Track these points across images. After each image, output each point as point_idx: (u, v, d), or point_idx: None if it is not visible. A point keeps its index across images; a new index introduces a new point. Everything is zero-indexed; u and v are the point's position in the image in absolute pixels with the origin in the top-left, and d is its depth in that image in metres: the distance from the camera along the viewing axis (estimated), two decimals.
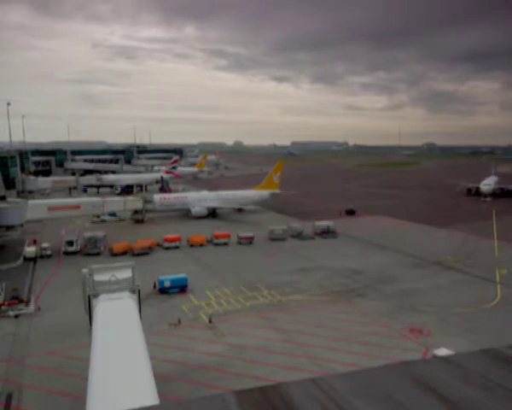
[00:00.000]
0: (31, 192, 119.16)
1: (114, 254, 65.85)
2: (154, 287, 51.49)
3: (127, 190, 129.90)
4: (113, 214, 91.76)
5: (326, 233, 79.44)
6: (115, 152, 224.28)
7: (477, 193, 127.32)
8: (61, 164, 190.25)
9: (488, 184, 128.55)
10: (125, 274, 26.11)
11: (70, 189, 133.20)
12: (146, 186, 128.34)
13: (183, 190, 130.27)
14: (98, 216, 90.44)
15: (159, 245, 71.02)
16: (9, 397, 30.47)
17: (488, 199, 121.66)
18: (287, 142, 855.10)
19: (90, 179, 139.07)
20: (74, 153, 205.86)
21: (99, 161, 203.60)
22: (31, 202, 76.69)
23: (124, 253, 66.55)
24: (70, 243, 68.47)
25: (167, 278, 51.67)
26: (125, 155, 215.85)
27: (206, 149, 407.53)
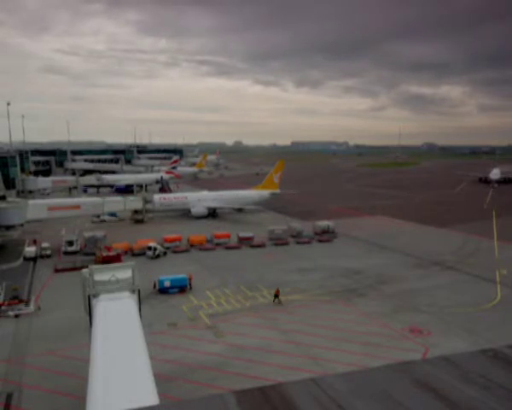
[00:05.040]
0: (31, 192, 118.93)
1: None
2: (154, 287, 51.50)
3: (127, 190, 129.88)
4: (113, 214, 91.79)
5: (326, 233, 79.27)
6: (115, 152, 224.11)
7: (486, 181, 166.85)
8: (61, 164, 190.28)
9: (495, 173, 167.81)
10: (125, 274, 26.08)
11: (70, 189, 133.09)
12: (146, 186, 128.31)
13: (180, 190, 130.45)
14: (98, 216, 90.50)
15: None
16: (9, 397, 30.45)
17: (496, 185, 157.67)
18: (287, 142, 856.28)
19: (90, 179, 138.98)
20: (74, 153, 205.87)
21: (99, 161, 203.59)
22: (31, 201, 76.66)
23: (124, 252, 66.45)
24: (70, 243, 68.52)
25: (167, 277, 51.67)
26: (125, 155, 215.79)
27: (206, 149, 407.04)
